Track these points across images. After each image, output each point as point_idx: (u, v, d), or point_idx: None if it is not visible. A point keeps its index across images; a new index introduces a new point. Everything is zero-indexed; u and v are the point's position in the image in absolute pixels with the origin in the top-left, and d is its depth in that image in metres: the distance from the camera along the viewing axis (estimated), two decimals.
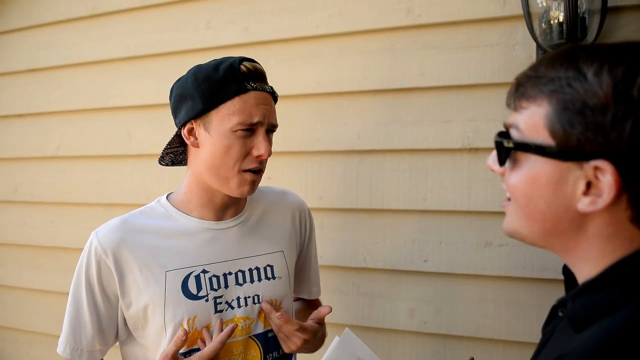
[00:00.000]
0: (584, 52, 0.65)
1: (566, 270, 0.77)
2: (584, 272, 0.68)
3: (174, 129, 2.11)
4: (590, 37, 1.36)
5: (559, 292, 1.50)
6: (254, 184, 1.16)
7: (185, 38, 1.96)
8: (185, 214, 1.20)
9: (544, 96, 0.65)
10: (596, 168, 0.62)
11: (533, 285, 1.54)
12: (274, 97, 1.20)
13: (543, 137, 0.65)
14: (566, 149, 0.63)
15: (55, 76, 2.21)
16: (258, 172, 1.16)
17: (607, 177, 0.61)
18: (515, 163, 0.70)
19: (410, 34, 1.66)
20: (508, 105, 0.72)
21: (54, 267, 2.22)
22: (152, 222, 1.18)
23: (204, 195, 1.19)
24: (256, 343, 1.21)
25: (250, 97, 1.12)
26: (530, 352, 1.64)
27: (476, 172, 1.59)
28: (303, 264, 1.40)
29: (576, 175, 0.64)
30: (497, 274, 1.57)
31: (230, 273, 1.19)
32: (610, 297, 0.64)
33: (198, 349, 1.13)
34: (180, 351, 1.12)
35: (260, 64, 1.20)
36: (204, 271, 1.17)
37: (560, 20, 1.35)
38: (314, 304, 1.46)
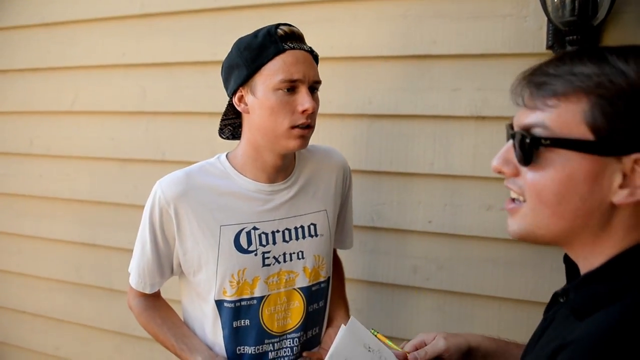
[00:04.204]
0: (606, 50, 0.67)
1: (567, 259, 0.79)
2: (593, 263, 0.70)
3: (188, 88, 2.14)
4: (601, 15, 1.40)
5: (552, 255, 1.58)
6: (304, 138, 1.24)
7: None
8: (241, 174, 1.30)
9: (581, 92, 0.66)
10: (636, 161, 0.63)
11: (529, 248, 1.63)
12: (314, 55, 1.26)
13: (581, 132, 0.65)
14: (608, 142, 0.64)
15: (69, 31, 2.22)
16: (307, 127, 1.23)
17: None
18: (539, 162, 0.69)
19: (424, 1, 1.69)
20: (518, 103, 0.72)
21: (70, 218, 2.30)
22: (211, 179, 1.29)
23: (257, 159, 1.28)
24: (300, 294, 1.33)
25: (289, 56, 1.19)
26: (524, 309, 1.75)
27: (482, 140, 1.66)
28: (340, 218, 1.49)
29: (613, 168, 0.65)
30: (496, 236, 1.66)
31: (278, 231, 1.30)
32: (611, 287, 0.66)
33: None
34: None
35: (298, 27, 1.26)
36: (255, 228, 1.28)
37: None
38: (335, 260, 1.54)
